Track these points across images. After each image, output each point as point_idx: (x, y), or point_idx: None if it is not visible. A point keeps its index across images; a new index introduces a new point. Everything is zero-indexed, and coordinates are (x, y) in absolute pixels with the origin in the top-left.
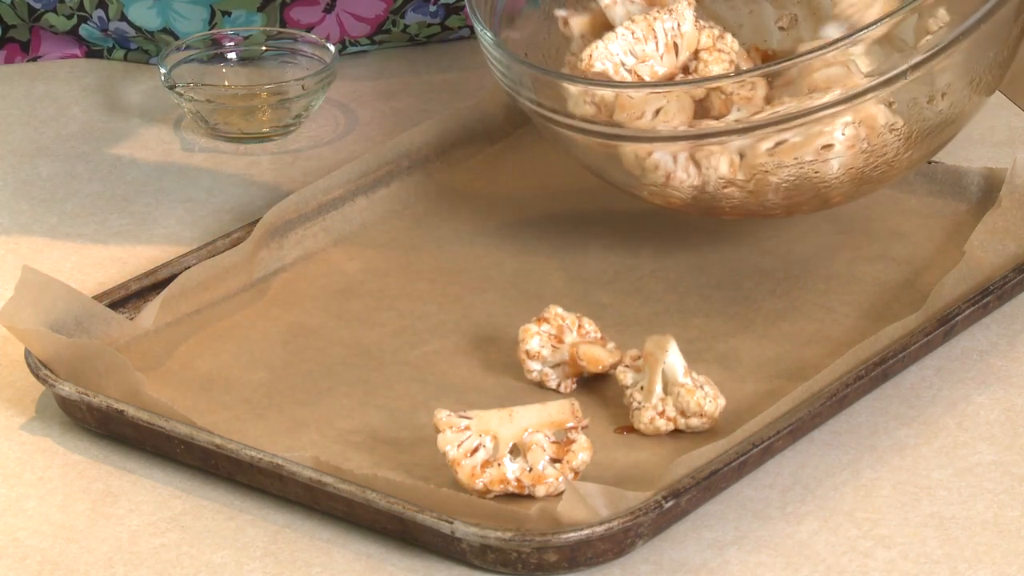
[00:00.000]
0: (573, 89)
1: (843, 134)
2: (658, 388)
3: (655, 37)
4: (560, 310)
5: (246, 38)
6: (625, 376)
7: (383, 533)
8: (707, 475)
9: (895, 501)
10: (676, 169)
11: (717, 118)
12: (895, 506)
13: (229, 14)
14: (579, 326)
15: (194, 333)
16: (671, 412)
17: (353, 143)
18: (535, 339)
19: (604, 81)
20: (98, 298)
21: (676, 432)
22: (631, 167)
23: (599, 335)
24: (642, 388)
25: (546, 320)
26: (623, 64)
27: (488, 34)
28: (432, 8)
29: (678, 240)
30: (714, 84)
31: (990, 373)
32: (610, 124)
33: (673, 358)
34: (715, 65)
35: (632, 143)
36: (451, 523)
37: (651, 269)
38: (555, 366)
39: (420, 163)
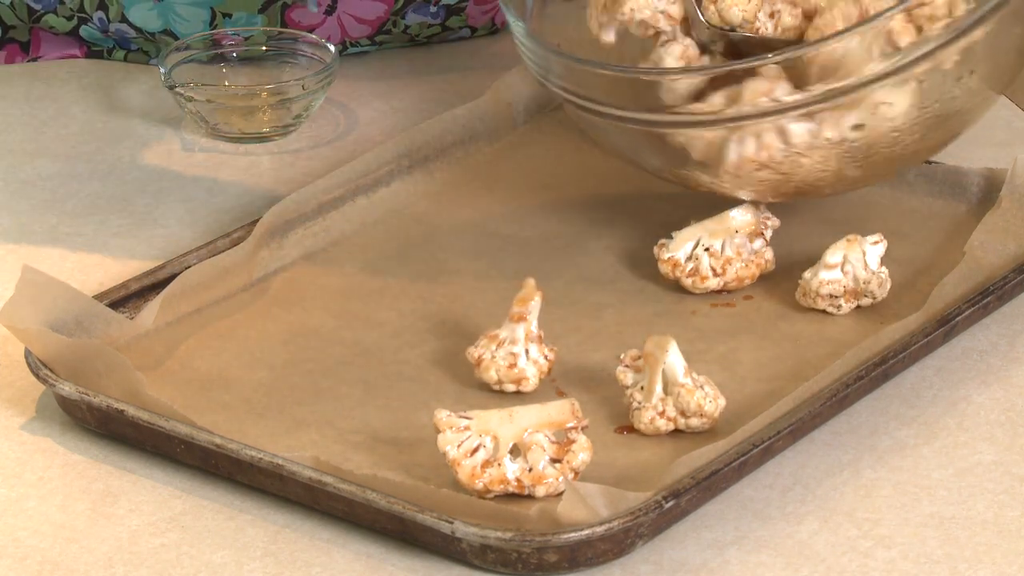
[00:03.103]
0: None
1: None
2: (658, 388)
3: None
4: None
5: (246, 38)
6: (625, 376)
7: (383, 533)
8: (707, 475)
9: (895, 501)
10: (752, 149)
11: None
12: (895, 506)
13: (230, 16)
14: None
15: (194, 333)
16: (671, 412)
17: (353, 143)
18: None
19: (651, 69)
20: (98, 298)
21: (676, 432)
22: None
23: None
24: (642, 388)
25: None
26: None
27: (525, 43)
28: (433, 9)
29: None
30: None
31: (990, 373)
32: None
33: (673, 358)
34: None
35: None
36: (451, 523)
37: (651, 269)
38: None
39: (420, 163)
